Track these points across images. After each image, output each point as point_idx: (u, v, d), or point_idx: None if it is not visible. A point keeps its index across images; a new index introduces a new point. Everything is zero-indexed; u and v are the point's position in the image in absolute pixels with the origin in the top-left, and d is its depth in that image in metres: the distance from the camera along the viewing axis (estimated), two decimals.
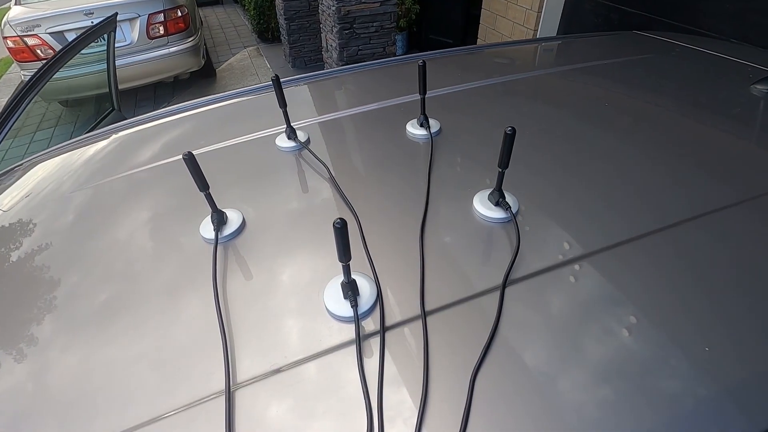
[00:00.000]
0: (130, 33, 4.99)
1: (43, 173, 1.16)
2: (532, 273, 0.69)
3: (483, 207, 0.80)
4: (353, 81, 1.44)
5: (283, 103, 1.00)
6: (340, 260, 0.59)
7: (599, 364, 0.56)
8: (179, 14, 5.14)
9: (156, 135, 1.22)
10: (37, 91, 1.95)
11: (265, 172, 1.00)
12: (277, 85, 0.96)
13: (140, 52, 5.04)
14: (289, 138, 1.04)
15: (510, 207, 0.78)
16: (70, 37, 4.68)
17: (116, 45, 4.83)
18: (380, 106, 1.21)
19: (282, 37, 6.27)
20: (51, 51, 4.67)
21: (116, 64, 2.76)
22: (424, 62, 0.95)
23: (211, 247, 0.77)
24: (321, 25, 4.94)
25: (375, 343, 0.60)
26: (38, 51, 4.70)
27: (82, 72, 4.64)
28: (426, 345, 0.60)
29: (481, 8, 4.50)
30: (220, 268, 0.75)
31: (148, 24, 4.98)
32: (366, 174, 0.97)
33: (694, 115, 1.17)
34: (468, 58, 1.61)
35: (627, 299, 0.64)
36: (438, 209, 0.83)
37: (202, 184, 0.75)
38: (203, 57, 5.82)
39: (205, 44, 6.16)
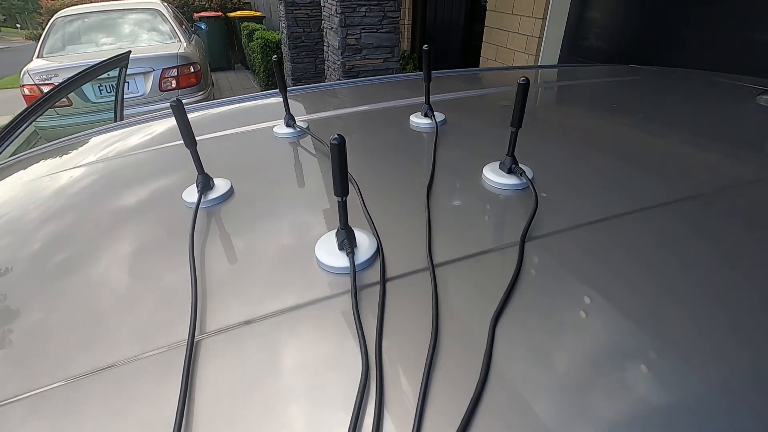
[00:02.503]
0: (143, 85, 5.21)
1: (33, 163, 1.10)
2: (552, 232, 0.61)
3: (494, 175, 0.73)
4: (357, 89, 1.43)
5: (282, 86, 0.97)
6: (336, 193, 0.52)
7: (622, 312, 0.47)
8: (191, 70, 5.41)
9: (148, 128, 1.18)
10: (44, 110, 1.96)
11: (261, 155, 0.95)
12: (278, 67, 0.94)
13: (151, 103, 5.23)
14: (287, 125, 1.00)
15: (524, 172, 0.71)
16: (87, 89, 4.88)
17: (129, 96, 5.07)
18: (383, 106, 1.19)
19: None
20: (65, 100, 4.84)
21: (125, 112, 2.80)
22: (429, 47, 0.93)
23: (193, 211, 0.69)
24: (326, 80, 5.19)
25: (374, 293, 0.51)
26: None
27: (90, 120, 4.79)
28: (435, 288, 0.50)
29: (481, 46, 4.75)
30: (202, 228, 0.66)
31: (161, 78, 5.22)
32: (368, 157, 0.91)
33: (702, 115, 1.14)
34: (471, 75, 1.63)
35: (646, 255, 0.56)
36: (445, 179, 0.76)
37: (190, 139, 0.69)
38: None
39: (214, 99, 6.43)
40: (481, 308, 0.48)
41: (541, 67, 3.07)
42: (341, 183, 0.51)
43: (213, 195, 0.73)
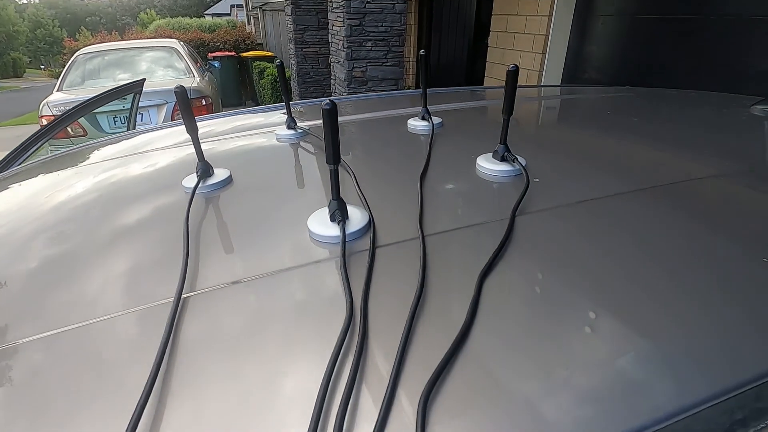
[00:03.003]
0: (156, 117, 5.39)
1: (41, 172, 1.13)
2: (541, 209, 0.61)
3: (488, 162, 0.75)
4: (360, 102, 1.48)
5: (285, 91, 1.01)
6: (327, 160, 0.53)
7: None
8: (203, 103, 5.60)
9: (154, 139, 1.22)
10: (57, 131, 2.03)
11: (262, 153, 0.98)
12: (281, 72, 0.98)
13: None
14: (289, 128, 1.03)
15: (517, 158, 0.72)
16: (102, 119, 5.07)
17: (142, 126, 5.25)
18: (383, 115, 1.22)
19: None
20: (80, 129, 5.01)
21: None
22: (426, 52, 0.97)
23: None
24: None
25: (363, 258, 0.51)
26: (68, 129, 5.04)
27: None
28: (423, 247, 0.51)
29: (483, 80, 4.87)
30: (200, 209, 0.68)
31: (174, 110, 5.40)
32: (366, 155, 0.93)
33: (695, 120, 1.16)
34: (472, 92, 1.67)
35: (626, 232, 0.57)
36: (439, 168, 0.78)
37: (191, 125, 0.72)
38: None
39: None
40: (470, 267, 0.48)
41: (543, 86, 3.17)
42: (333, 150, 0.52)
43: (212, 181, 0.75)
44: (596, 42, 4.31)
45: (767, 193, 0.69)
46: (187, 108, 0.70)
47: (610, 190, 0.70)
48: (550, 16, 4.35)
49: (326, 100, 0.49)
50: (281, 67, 0.98)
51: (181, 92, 0.69)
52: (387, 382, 0.33)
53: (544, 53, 4.46)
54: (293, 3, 7.46)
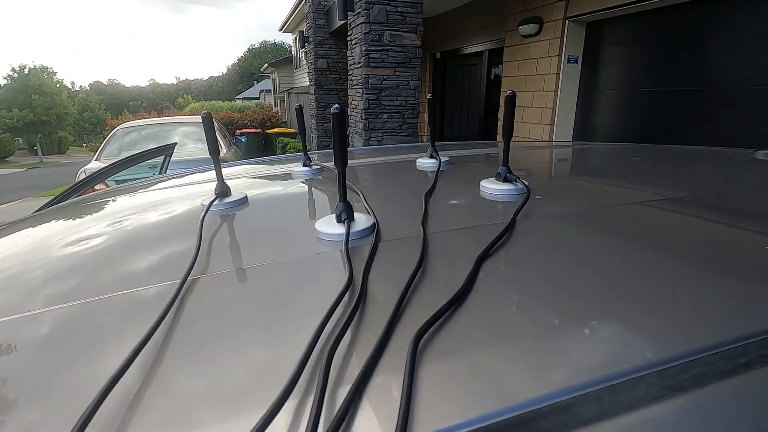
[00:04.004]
0: None
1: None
2: (542, 217, 0.63)
3: (491, 184, 0.78)
4: (374, 150, 1.56)
5: (302, 131, 1.09)
6: (336, 164, 0.57)
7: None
8: None
9: (184, 180, 1.30)
10: (88, 187, 2.17)
11: (278, 187, 1.03)
12: (299, 114, 1.07)
13: None
14: (304, 165, 1.09)
15: (519, 178, 0.75)
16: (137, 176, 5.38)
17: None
18: (394, 159, 1.29)
19: None
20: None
21: None
22: (433, 96, 1.05)
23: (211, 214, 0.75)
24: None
25: (366, 250, 0.53)
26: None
27: None
28: (424, 228, 0.53)
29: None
30: (215, 220, 0.72)
31: None
32: (374, 184, 0.98)
33: (702, 164, 1.19)
34: (479, 144, 1.75)
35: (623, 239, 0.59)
36: (444, 190, 0.81)
37: (214, 148, 0.78)
38: None
39: None
40: (470, 251, 0.49)
41: (554, 142, 3.29)
42: (341, 153, 0.56)
43: (229, 200, 0.79)
44: (601, 113, 4.50)
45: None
46: (211, 132, 0.77)
47: (607, 202, 0.72)
48: (556, 91, 4.61)
49: (335, 105, 0.54)
50: (300, 110, 1.07)
51: (207, 117, 0.76)
52: (382, 327, 0.33)
53: (552, 125, 4.66)
54: (317, 83, 8.12)
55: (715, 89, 3.45)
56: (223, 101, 22.23)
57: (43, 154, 27.79)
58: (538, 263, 0.49)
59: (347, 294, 0.40)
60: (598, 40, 4.39)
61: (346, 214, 0.59)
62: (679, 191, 0.86)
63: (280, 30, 15.48)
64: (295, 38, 14.58)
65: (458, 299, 0.38)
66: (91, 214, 0.96)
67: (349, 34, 4.73)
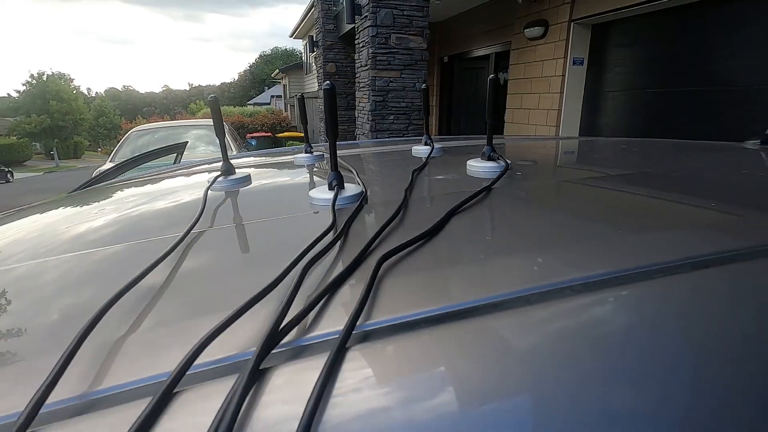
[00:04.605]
0: None
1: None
2: (515, 187, 0.69)
3: (476, 163, 0.83)
4: (376, 142, 1.63)
5: (304, 120, 1.15)
6: (327, 135, 0.63)
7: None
8: None
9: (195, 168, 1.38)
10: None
11: (281, 171, 1.09)
12: (301, 103, 1.13)
13: None
14: (306, 152, 1.16)
15: (501, 156, 0.81)
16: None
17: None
18: (393, 148, 1.34)
19: None
20: None
21: None
22: (426, 86, 1.11)
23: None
24: None
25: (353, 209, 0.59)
26: None
27: None
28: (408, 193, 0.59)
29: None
30: (218, 195, 0.78)
31: None
32: (367, 165, 1.04)
33: (690, 151, 1.22)
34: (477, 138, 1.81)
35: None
36: (433, 169, 0.87)
37: (220, 129, 0.84)
38: None
39: None
40: (443, 209, 0.54)
41: (559, 138, 3.34)
42: (331, 127, 0.62)
43: (233, 177, 0.86)
44: (607, 115, 4.51)
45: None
46: (217, 115, 0.83)
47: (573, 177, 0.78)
48: (562, 93, 4.63)
49: (327, 82, 0.60)
50: (301, 99, 1.14)
51: (213, 101, 0.83)
52: (354, 256, 0.39)
53: (557, 126, 4.68)
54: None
55: (721, 89, 3.46)
56: (235, 106, 22.58)
57: (59, 159, 28.44)
58: (499, 218, 0.56)
59: (330, 234, 0.46)
60: (604, 42, 4.42)
61: (336, 181, 0.65)
62: (634, 169, 0.92)
63: (291, 36, 15.71)
64: (305, 44, 14.78)
65: (424, 237, 0.43)
66: (114, 193, 1.03)
67: (356, 37, 4.82)
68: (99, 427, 0.23)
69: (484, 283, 0.35)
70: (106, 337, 0.30)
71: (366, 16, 4.31)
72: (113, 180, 1.38)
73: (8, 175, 18.41)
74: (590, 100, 4.62)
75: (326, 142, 0.65)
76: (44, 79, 31.68)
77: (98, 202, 0.98)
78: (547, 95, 4.79)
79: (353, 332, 0.28)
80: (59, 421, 0.24)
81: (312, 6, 9.74)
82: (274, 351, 0.27)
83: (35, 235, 0.70)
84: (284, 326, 0.28)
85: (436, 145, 1.14)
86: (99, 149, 38.40)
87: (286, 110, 20.18)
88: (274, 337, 0.27)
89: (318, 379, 0.23)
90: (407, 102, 4.48)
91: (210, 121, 5.89)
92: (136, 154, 2.55)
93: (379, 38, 4.18)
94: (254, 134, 11.40)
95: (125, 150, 6.52)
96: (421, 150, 1.14)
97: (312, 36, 9.20)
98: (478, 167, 0.81)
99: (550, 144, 1.52)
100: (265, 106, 25.24)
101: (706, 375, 0.24)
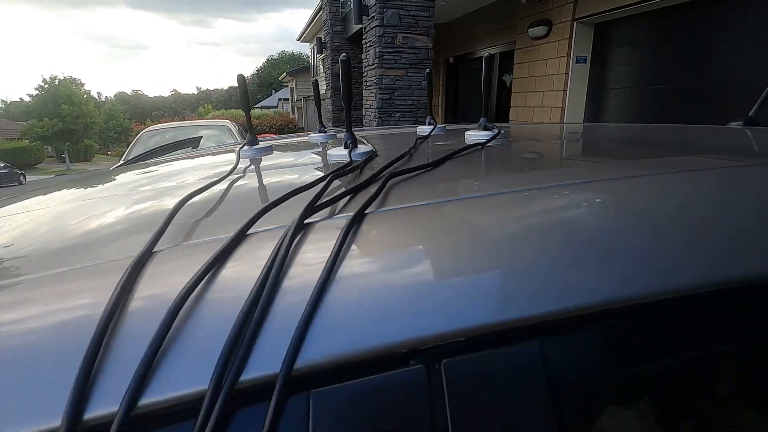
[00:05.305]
0: None
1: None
2: (502, 146, 0.79)
3: (474, 132, 0.93)
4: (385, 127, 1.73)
5: (318, 103, 1.25)
6: (343, 100, 0.73)
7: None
8: None
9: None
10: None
11: (297, 146, 1.20)
12: (316, 87, 1.23)
13: None
14: (319, 132, 1.26)
15: (495, 126, 0.90)
16: None
17: None
18: (401, 131, 1.45)
19: None
20: None
21: None
22: (430, 71, 1.21)
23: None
24: None
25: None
26: None
27: None
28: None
29: None
30: (245, 160, 0.88)
31: None
32: (378, 140, 1.14)
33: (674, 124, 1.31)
34: None
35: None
36: (436, 139, 0.97)
37: (245, 104, 0.95)
38: None
39: None
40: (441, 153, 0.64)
41: (555, 123, 3.49)
42: (347, 94, 0.72)
43: (257, 147, 0.96)
44: (610, 112, 4.58)
45: None
46: (243, 91, 0.94)
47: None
48: (565, 91, 4.71)
49: (343, 54, 0.71)
50: (315, 83, 1.24)
51: (241, 78, 0.93)
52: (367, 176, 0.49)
53: (561, 123, 4.75)
54: (333, 88, 8.39)
55: (722, 86, 3.52)
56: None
57: (70, 162, 28.89)
58: (489, 161, 0.66)
59: (349, 167, 0.56)
60: (606, 40, 4.49)
61: (351, 140, 0.75)
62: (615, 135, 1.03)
63: (298, 40, 15.91)
64: (313, 47, 14.96)
65: (425, 167, 0.53)
66: (160, 164, 1.14)
67: (363, 37, 4.94)
68: (198, 254, 0.33)
69: (471, 188, 0.45)
70: (201, 213, 0.41)
71: (373, 17, 4.43)
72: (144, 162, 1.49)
73: (21, 178, 18.78)
74: (593, 97, 4.69)
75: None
76: (56, 83, 32.22)
77: (157, 165, 1.10)
78: (551, 93, 4.87)
79: (365, 213, 0.38)
80: (168, 249, 0.34)
81: (319, 9, 9.92)
82: (310, 219, 0.37)
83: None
84: (319, 204, 0.38)
85: (439, 125, 1.24)
86: (109, 152, 38.90)
87: (293, 113, 20.37)
88: (312, 209, 0.37)
89: (339, 236, 0.33)
90: (413, 100, 4.58)
91: (218, 121, 6.07)
92: (151, 148, 2.68)
93: (386, 38, 4.30)
94: (260, 136, 11.57)
95: (137, 150, 6.66)
96: (425, 128, 1.24)
97: (320, 38, 9.36)
98: (475, 135, 0.91)
99: (544, 126, 1.61)
100: (272, 109, 25.52)
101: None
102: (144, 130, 7.08)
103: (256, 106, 32.79)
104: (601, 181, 0.48)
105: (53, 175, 23.51)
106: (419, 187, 0.47)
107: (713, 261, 0.33)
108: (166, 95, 67.77)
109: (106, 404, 0.24)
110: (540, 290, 0.30)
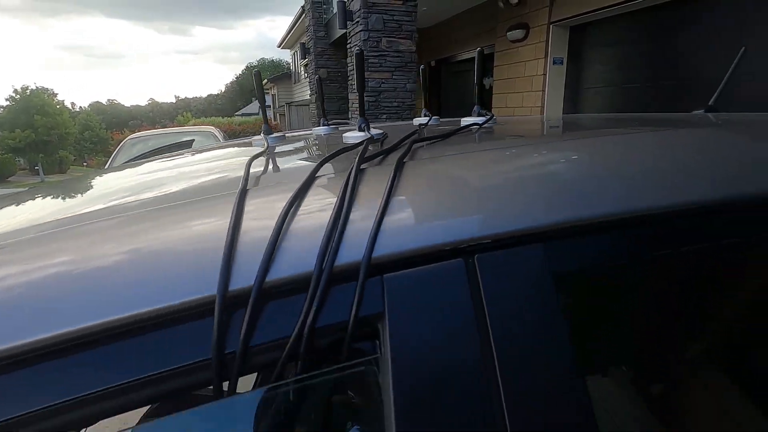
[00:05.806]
0: None
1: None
2: (494, 127, 0.90)
3: (469, 118, 1.04)
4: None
5: (321, 98, 1.35)
6: (357, 89, 0.83)
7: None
8: None
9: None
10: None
11: (305, 137, 1.29)
12: (319, 83, 1.33)
13: None
14: (323, 125, 1.36)
15: (488, 112, 1.02)
16: None
17: None
18: (401, 123, 1.55)
19: None
20: None
21: None
22: (424, 67, 1.32)
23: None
24: None
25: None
26: None
27: None
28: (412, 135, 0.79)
29: None
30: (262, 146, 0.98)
31: None
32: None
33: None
34: None
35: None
36: (433, 125, 1.07)
37: (262, 101, 1.04)
38: None
39: None
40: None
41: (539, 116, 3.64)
42: (360, 82, 0.82)
43: (273, 135, 1.05)
44: (587, 110, 4.79)
45: None
46: (260, 87, 1.03)
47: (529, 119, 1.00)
48: (544, 91, 4.90)
49: (357, 47, 0.81)
50: (319, 80, 1.34)
51: (257, 74, 1.02)
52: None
53: (541, 115, 4.93)
54: (316, 92, 8.49)
55: (691, 82, 3.75)
56: (223, 117, 22.67)
57: (44, 174, 28.14)
58: (486, 137, 0.76)
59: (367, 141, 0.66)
60: (581, 42, 4.71)
61: (364, 124, 0.85)
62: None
63: (279, 46, 15.95)
64: (294, 53, 15.00)
65: (438, 137, 0.64)
66: (184, 155, 1.22)
67: (348, 42, 5.05)
68: (278, 193, 0.43)
69: (477, 147, 0.55)
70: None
71: (357, 21, 4.54)
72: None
73: None
74: (571, 96, 4.90)
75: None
76: (28, 93, 31.39)
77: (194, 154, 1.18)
78: (530, 94, 5.07)
79: (404, 161, 0.48)
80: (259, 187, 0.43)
81: (300, 16, 10.00)
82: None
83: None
84: (367, 156, 0.48)
85: (435, 117, 1.35)
86: (85, 163, 37.99)
87: (275, 119, 20.33)
88: (363, 160, 0.47)
89: (390, 173, 0.43)
90: (399, 102, 4.71)
91: (203, 128, 6.06)
92: (143, 152, 2.73)
93: (371, 42, 4.42)
94: None
95: (122, 157, 6.61)
96: (422, 120, 1.35)
97: (303, 43, 9.44)
98: (470, 120, 1.02)
99: (529, 117, 1.74)
100: (253, 116, 25.39)
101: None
102: (127, 138, 7.02)
103: (236, 113, 32.53)
104: (580, 139, 0.59)
105: (27, 188, 22.81)
106: (436, 149, 0.57)
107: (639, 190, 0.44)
108: (143, 104, 66.67)
109: (243, 282, 0.33)
110: (543, 205, 0.41)
